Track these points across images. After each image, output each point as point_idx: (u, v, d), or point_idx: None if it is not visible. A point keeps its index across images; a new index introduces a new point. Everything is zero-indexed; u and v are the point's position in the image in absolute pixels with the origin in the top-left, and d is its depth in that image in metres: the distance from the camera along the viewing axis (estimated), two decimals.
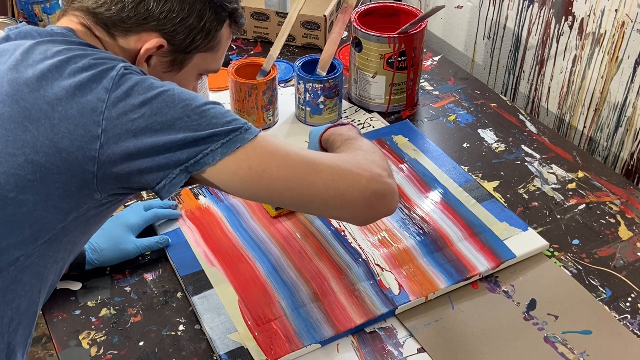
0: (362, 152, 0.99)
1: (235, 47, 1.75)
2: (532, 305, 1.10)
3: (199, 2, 0.95)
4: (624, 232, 1.23)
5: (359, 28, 1.46)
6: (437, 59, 1.71)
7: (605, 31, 1.46)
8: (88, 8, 0.93)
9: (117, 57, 0.90)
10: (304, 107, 1.48)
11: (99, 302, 1.12)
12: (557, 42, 1.58)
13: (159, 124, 0.84)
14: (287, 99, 1.56)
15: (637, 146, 1.47)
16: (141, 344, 1.05)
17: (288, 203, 0.94)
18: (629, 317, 1.08)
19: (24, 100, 0.83)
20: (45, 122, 0.82)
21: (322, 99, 1.45)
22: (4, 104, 0.83)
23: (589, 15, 1.48)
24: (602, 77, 1.50)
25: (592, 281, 1.14)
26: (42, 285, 0.90)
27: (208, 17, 0.96)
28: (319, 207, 0.92)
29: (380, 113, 1.53)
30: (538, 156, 1.40)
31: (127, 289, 1.14)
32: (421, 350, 1.04)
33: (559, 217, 1.26)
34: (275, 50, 1.46)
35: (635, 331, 1.06)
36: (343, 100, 1.53)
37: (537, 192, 1.32)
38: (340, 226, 1.22)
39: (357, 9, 1.52)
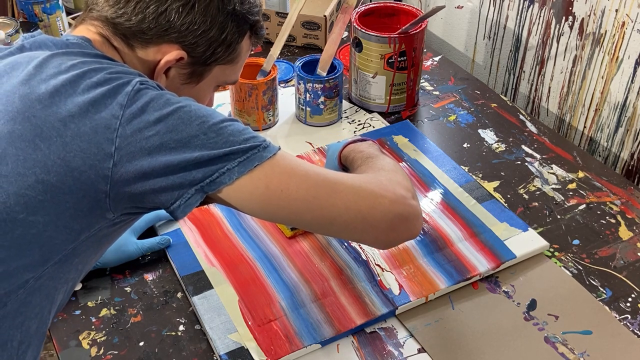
0: (385, 172, 0.96)
1: None
2: (532, 305, 1.10)
3: (221, 14, 0.92)
4: (624, 232, 1.23)
5: (359, 28, 1.46)
6: (437, 59, 1.71)
7: (605, 31, 1.46)
8: (107, 17, 0.90)
9: (133, 71, 0.87)
10: (304, 107, 1.48)
11: (99, 302, 1.12)
12: (557, 42, 1.58)
13: (174, 142, 0.81)
14: (287, 99, 1.56)
15: (637, 146, 1.47)
16: (141, 344, 1.05)
17: (306, 224, 0.91)
18: (629, 317, 1.08)
19: (35, 117, 0.80)
20: (56, 139, 0.79)
21: (322, 99, 1.45)
22: (14, 121, 0.80)
23: (589, 15, 1.48)
24: (602, 77, 1.50)
25: (592, 281, 1.14)
26: (52, 306, 0.88)
27: (229, 29, 0.93)
28: (340, 229, 0.89)
29: (380, 113, 1.53)
30: (538, 156, 1.40)
31: (127, 289, 1.14)
32: (421, 350, 1.04)
33: (559, 217, 1.26)
34: (275, 50, 1.46)
35: (635, 331, 1.06)
36: (343, 100, 1.53)
37: (537, 192, 1.32)
38: None
39: (357, 9, 1.52)
